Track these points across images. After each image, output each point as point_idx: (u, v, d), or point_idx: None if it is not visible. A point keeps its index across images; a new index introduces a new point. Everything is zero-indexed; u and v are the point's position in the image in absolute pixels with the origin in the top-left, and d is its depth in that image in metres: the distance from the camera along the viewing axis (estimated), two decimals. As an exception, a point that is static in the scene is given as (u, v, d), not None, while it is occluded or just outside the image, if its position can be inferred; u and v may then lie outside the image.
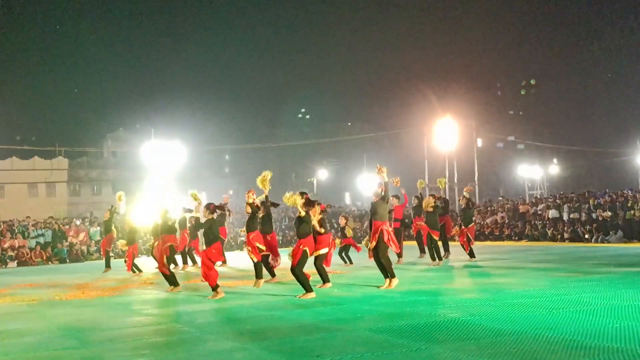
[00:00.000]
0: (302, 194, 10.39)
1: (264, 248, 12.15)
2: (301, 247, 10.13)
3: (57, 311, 9.83)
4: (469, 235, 15.35)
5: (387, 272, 10.73)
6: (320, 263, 10.94)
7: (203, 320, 8.31)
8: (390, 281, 10.69)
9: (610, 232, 21.04)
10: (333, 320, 7.67)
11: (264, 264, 12.34)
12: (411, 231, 17.55)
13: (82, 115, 64.72)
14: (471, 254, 15.46)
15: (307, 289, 9.90)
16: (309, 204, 10.32)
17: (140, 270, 16.14)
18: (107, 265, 17.37)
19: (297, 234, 10.33)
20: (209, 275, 10.30)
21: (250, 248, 12.03)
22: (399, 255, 15.17)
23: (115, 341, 7.06)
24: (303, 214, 10.19)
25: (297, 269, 9.96)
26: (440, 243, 15.30)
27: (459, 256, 16.16)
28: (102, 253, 18.80)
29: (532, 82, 66.40)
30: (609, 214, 21.72)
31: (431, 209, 14.80)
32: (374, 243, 10.69)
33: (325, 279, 11.08)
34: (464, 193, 15.87)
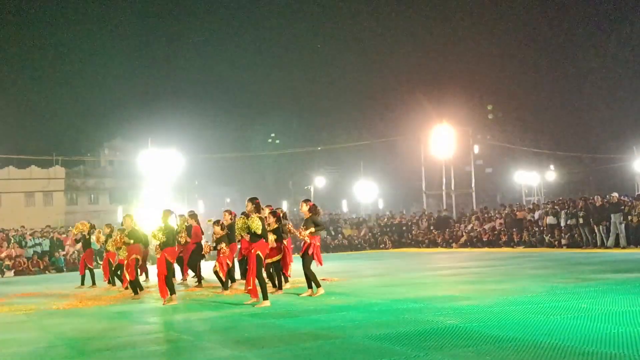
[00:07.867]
0: (252, 199, 10.47)
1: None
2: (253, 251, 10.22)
3: (55, 321, 9.81)
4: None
5: (313, 282, 11.11)
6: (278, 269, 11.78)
7: (201, 329, 8.29)
8: (312, 291, 11.09)
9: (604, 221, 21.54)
10: (329, 327, 7.65)
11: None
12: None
13: (79, 124, 64.76)
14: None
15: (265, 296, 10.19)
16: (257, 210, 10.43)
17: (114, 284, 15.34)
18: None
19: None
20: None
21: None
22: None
23: (113, 351, 7.03)
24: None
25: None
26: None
27: (453, 263, 16.13)
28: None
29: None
30: (599, 199, 21.95)
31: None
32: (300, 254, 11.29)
33: (276, 285, 11.79)
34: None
